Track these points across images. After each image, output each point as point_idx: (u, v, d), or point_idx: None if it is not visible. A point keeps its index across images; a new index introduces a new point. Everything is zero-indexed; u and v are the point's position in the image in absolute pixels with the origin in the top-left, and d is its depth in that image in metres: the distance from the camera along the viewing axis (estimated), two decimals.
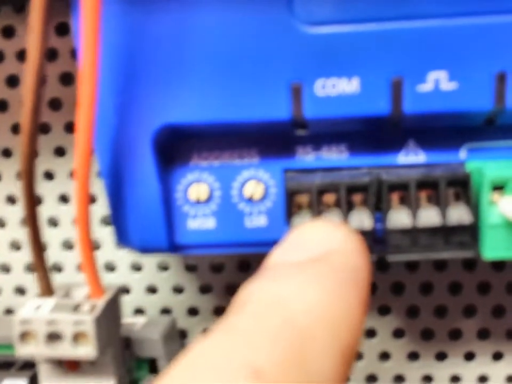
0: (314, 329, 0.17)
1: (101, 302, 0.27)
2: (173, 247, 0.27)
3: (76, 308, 0.26)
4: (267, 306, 0.17)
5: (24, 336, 0.26)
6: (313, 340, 0.16)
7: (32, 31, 0.24)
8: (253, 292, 0.18)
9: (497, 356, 0.37)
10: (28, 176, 0.25)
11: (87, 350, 0.26)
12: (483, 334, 0.36)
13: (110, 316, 0.27)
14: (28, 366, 0.32)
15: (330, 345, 0.17)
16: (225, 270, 0.35)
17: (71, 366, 0.27)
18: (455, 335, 0.36)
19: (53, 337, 0.26)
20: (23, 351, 0.26)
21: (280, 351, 0.15)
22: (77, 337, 0.26)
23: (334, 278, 0.18)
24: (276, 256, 0.20)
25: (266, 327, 0.16)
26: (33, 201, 0.26)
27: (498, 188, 0.24)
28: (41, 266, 0.27)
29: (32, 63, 0.24)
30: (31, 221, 0.26)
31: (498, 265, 0.34)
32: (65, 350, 0.26)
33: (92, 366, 0.28)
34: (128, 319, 0.33)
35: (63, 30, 0.31)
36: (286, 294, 0.17)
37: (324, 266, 0.19)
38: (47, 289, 0.28)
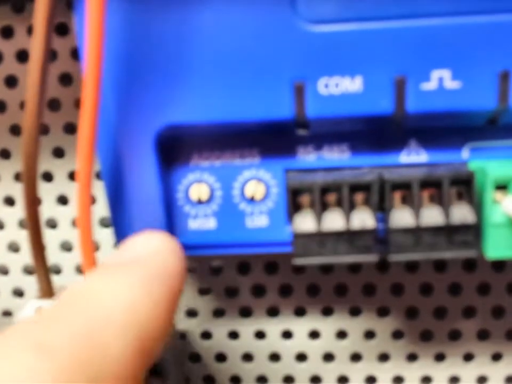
0: (112, 315, 0.19)
1: None
2: None
3: None
4: (73, 297, 0.20)
5: None
6: (109, 325, 0.19)
7: (36, 32, 0.24)
8: (69, 289, 0.20)
9: (497, 357, 0.37)
10: (29, 177, 0.25)
11: None
12: (482, 335, 0.36)
13: None
14: None
15: (124, 331, 0.19)
16: (225, 272, 0.35)
17: None
18: (455, 336, 0.36)
19: None
20: None
21: (72, 331, 0.18)
22: None
23: (142, 276, 0.21)
24: (103, 261, 0.23)
25: (65, 313, 0.19)
26: (34, 202, 0.26)
27: (501, 187, 0.24)
28: (41, 268, 0.27)
29: (35, 63, 0.24)
30: (32, 222, 0.26)
31: (498, 266, 0.34)
32: None
33: None
34: None
35: (62, 30, 0.31)
36: (94, 287, 0.20)
37: (136, 266, 0.22)
38: (48, 291, 0.28)
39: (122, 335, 0.19)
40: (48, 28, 0.23)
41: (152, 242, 0.23)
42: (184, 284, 0.23)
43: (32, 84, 0.24)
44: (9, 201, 0.36)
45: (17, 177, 0.35)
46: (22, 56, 0.33)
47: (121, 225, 0.27)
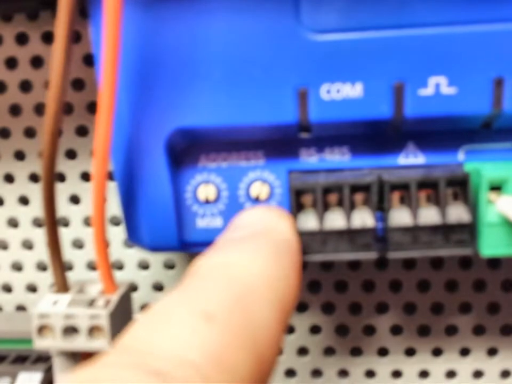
0: (256, 285, 0.20)
1: (114, 297, 0.28)
2: (182, 245, 0.28)
3: (91, 303, 0.27)
4: (214, 270, 0.20)
5: (42, 329, 0.27)
6: (255, 293, 0.19)
7: (60, 18, 0.24)
8: (201, 263, 0.21)
9: (492, 352, 0.37)
10: (47, 176, 0.26)
11: (101, 343, 0.27)
12: (478, 330, 0.37)
13: (123, 310, 0.28)
14: (42, 359, 0.33)
15: (269, 298, 0.20)
16: None
17: (85, 358, 0.28)
18: (451, 331, 0.37)
19: (69, 330, 0.27)
20: (41, 344, 0.27)
21: (227, 301, 0.18)
22: (92, 331, 0.27)
23: (270, 247, 0.22)
24: (220, 237, 0.23)
25: (214, 284, 0.19)
26: (52, 200, 0.27)
27: (495, 188, 0.25)
28: (57, 264, 0.28)
29: (57, 67, 0.25)
30: (49, 220, 0.27)
31: (494, 264, 0.35)
32: (81, 343, 0.27)
33: None
34: (136, 315, 0.34)
35: (76, 37, 0.32)
36: (230, 260, 0.21)
37: (261, 238, 0.22)
38: (63, 286, 0.28)
39: (267, 304, 0.19)
40: (69, 36, 0.24)
41: (269, 216, 0.24)
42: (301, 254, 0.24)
43: (53, 88, 0.25)
44: (24, 201, 0.36)
45: (32, 177, 0.36)
46: (36, 62, 0.34)
47: (132, 224, 0.28)
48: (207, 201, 0.27)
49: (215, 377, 0.16)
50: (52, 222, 0.27)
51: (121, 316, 0.28)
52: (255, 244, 0.22)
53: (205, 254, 0.22)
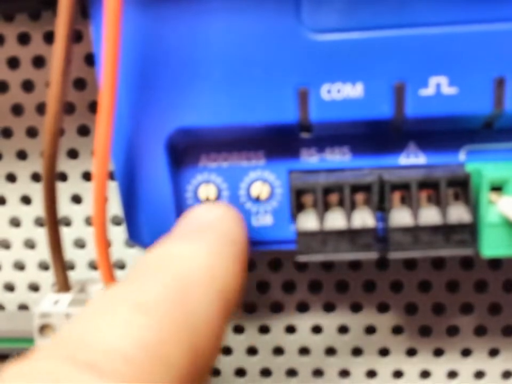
0: (196, 276, 0.20)
1: None
2: None
3: None
4: (155, 262, 0.21)
5: (43, 329, 0.27)
6: (194, 284, 0.20)
7: (60, 18, 0.24)
8: (145, 256, 0.21)
9: (494, 352, 0.37)
10: (49, 176, 0.26)
11: None
12: (480, 331, 0.37)
13: None
14: None
15: (209, 291, 0.20)
16: None
17: None
18: (453, 331, 0.37)
19: None
20: (42, 343, 0.27)
21: (164, 292, 0.19)
22: None
23: (214, 240, 0.22)
24: (170, 232, 0.24)
25: (153, 276, 0.20)
26: (53, 200, 0.27)
27: (496, 188, 0.25)
28: (59, 264, 0.28)
29: (56, 69, 0.25)
30: (50, 219, 0.27)
31: (495, 264, 0.35)
32: None
33: None
34: None
35: (77, 36, 0.32)
36: (171, 252, 0.21)
37: (206, 231, 0.23)
38: (65, 285, 0.28)
39: (207, 293, 0.20)
40: (69, 36, 0.24)
41: (214, 211, 0.25)
42: (249, 249, 0.24)
43: (54, 88, 0.25)
44: (26, 200, 0.37)
45: (34, 177, 0.36)
46: (38, 62, 0.34)
47: (133, 223, 0.28)
48: (207, 201, 0.27)
49: (148, 369, 0.16)
50: (54, 222, 0.27)
51: None
52: (197, 236, 0.22)
53: (150, 248, 0.22)
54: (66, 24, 0.24)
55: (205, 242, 0.22)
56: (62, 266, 0.28)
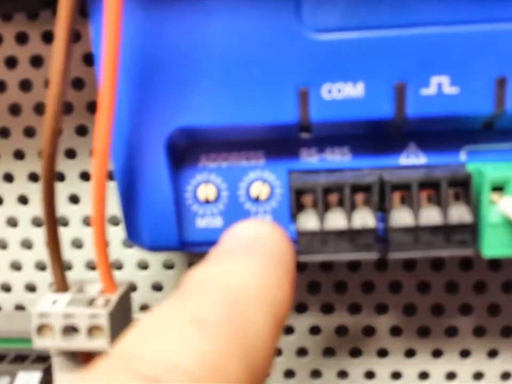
0: (249, 292, 0.20)
1: (114, 297, 0.28)
2: (182, 245, 0.28)
3: (91, 303, 0.27)
4: (207, 279, 0.20)
5: (42, 329, 0.27)
6: (249, 300, 0.19)
7: (61, 17, 0.24)
8: (194, 274, 0.21)
9: (492, 353, 0.37)
10: (48, 176, 0.26)
11: (101, 343, 0.27)
12: (479, 332, 0.37)
13: (122, 310, 0.28)
14: (41, 359, 0.33)
15: (263, 307, 0.20)
16: None
17: (85, 358, 0.28)
18: (451, 332, 0.37)
19: (69, 330, 0.27)
20: (40, 343, 0.27)
21: (219, 307, 0.18)
22: (92, 330, 0.27)
23: (263, 256, 0.22)
24: (214, 249, 0.23)
25: (207, 292, 0.19)
26: (52, 199, 0.27)
27: (498, 188, 0.25)
28: (57, 263, 0.28)
29: (57, 68, 0.25)
30: (49, 219, 0.27)
31: (494, 265, 0.35)
32: (80, 342, 0.27)
33: None
34: (135, 315, 0.34)
35: (75, 36, 0.32)
36: (223, 269, 0.21)
37: (254, 247, 0.22)
38: (63, 285, 0.28)
39: (261, 311, 0.19)
40: (69, 35, 0.24)
41: (262, 228, 0.24)
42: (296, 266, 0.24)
43: (54, 87, 0.25)
44: (23, 200, 0.36)
45: (31, 177, 0.36)
46: (36, 62, 0.34)
47: (132, 223, 0.28)
48: (207, 201, 0.27)
49: (206, 383, 0.16)
50: (52, 221, 0.27)
51: (121, 316, 0.28)
52: (247, 253, 0.22)
53: (197, 266, 0.22)
54: (66, 23, 0.24)
55: (256, 258, 0.22)
56: (60, 266, 0.28)
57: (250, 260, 0.21)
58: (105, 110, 0.24)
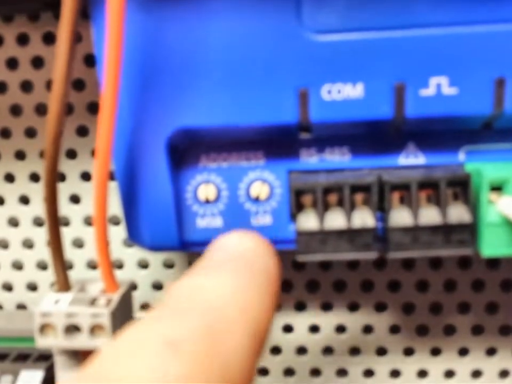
0: (228, 310, 0.19)
1: (115, 296, 0.28)
2: (182, 245, 0.28)
3: (93, 302, 0.27)
4: (186, 295, 0.20)
5: (44, 328, 0.27)
6: (227, 319, 0.19)
7: (64, 19, 0.24)
8: (174, 287, 0.20)
9: (491, 352, 0.37)
10: (50, 176, 0.26)
11: (103, 342, 0.27)
12: (477, 330, 0.37)
13: (124, 309, 0.28)
14: (43, 358, 0.33)
15: (242, 325, 0.19)
16: None
17: (87, 356, 0.28)
18: (450, 331, 0.37)
19: (71, 329, 0.27)
20: (43, 342, 0.27)
21: (195, 328, 0.18)
22: (94, 329, 0.27)
23: (246, 271, 0.21)
24: (198, 261, 0.22)
25: (184, 311, 0.19)
26: (54, 198, 0.27)
27: (496, 188, 0.25)
28: (59, 263, 0.28)
29: (61, 65, 0.25)
30: (51, 218, 0.27)
31: (493, 264, 0.35)
32: (83, 341, 0.27)
33: None
34: (136, 314, 0.34)
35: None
36: (203, 284, 0.20)
37: (237, 262, 0.22)
38: (65, 285, 0.28)
39: (238, 330, 0.19)
40: (72, 38, 0.24)
41: (246, 242, 0.23)
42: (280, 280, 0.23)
43: (56, 88, 0.25)
44: (24, 200, 0.37)
45: (32, 177, 0.36)
46: (37, 63, 0.34)
47: (133, 223, 0.28)
48: (207, 201, 0.27)
49: None
50: (54, 221, 0.27)
51: (123, 315, 0.28)
52: (230, 268, 0.22)
53: (180, 279, 0.21)
54: (69, 26, 0.24)
55: (236, 274, 0.21)
56: (62, 266, 0.28)
57: (231, 275, 0.21)
58: (108, 110, 0.24)
